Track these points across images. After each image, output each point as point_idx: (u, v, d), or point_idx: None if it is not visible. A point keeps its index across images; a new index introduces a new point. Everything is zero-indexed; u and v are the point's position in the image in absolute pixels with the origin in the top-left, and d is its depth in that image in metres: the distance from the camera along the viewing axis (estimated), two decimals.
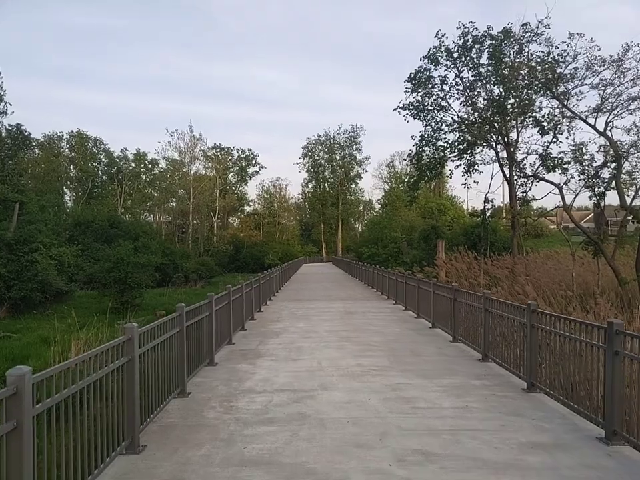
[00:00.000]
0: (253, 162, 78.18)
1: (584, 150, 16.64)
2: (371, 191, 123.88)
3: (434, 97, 22.27)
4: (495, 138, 21.24)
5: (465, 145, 22.17)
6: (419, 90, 22.23)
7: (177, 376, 5.92)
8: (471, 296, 8.67)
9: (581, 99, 18.52)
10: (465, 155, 22.51)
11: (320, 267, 51.93)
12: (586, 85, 18.03)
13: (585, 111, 17.62)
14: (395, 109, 23.28)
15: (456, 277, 19.61)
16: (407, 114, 23.17)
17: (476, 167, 22.45)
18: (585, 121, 17.20)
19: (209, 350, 7.65)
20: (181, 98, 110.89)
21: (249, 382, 6.55)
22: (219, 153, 73.15)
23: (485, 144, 21.57)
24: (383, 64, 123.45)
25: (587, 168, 16.02)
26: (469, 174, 22.54)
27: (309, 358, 7.78)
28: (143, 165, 68.87)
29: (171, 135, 64.94)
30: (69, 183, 65.12)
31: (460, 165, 22.85)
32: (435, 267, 21.77)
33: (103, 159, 66.60)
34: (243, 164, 77.66)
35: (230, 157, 75.98)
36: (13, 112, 36.64)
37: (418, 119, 23.13)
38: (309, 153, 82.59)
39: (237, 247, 60.29)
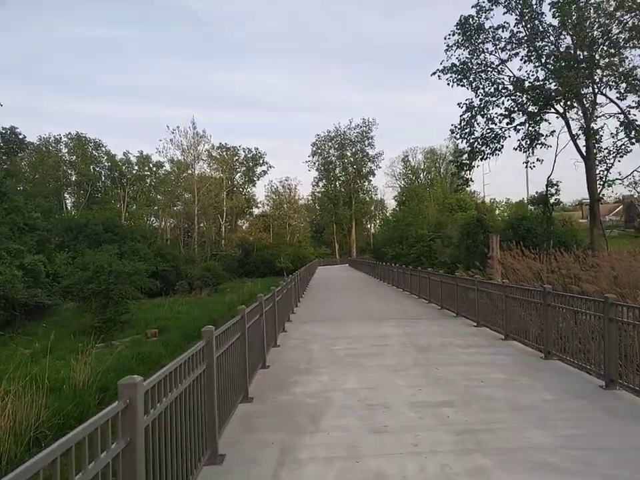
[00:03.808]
0: (261, 161, 74.61)
1: None
2: (384, 190, 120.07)
3: (485, 53, 18.03)
4: (563, 104, 17.00)
5: (525, 114, 17.86)
6: (466, 44, 18.04)
7: None
8: None
9: None
10: (526, 126, 18.14)
11: (337, 270, 47.66)
12: None
13: None
14: (434, 73, 19.20)
15: (514, 277, 15.46)
16: (451, 78, 18.99)
17: (541, 141, 18.08)
18: None
19: None
20: (185, 105, 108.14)
21: None
22: (224, 153, 69.56)
23: (553, 110, 17.29)
24: (389, 65, 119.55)
25: None
26: (531, 150, 18.20)
27: None
28: (147, 168, 65.86)
29: (172, 132, 61.28)
30: (68, 187, 62.22)
31: (524, 137, 18.43)
32: (488, 267, 17.58)
33: (105, 163, 63.64)
34: (250, 164, 74.10)
35: (236, 157, 72.48)
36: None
37: (462, 85, 18.98)
38: (319, 151, 78.77)
39: (247, 250, 57.43)
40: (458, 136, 20.36)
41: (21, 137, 53.05)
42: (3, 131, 49.79)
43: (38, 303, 20.51)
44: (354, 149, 77.68)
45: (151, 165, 66.24)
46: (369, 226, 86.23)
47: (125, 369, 12.80)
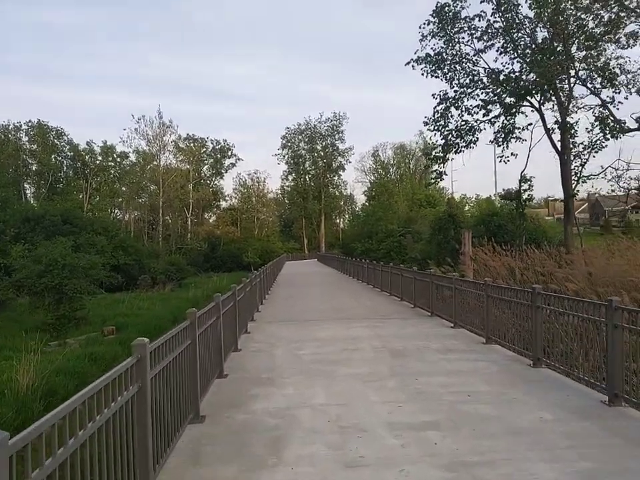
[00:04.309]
0: (229, 153, 72.97)
1: None
2: (353, 185, 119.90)
3: (460, 43, 17.54)
4: (539, 96, 16.64)
5: (502, 106, 17.44)
6: (441, 34, 17.51)
7: None
8: None
9: None
10: (500, 119, 17.75)
11: (306, 265, 46.86)
12: None
13: None
14: (408, 63, 18.64)
15: (487, 274, 15.05)
16: (425, 68, 18.47)
17: (516, 134, 17.70)
18: None
19: None
20: (152, 95, 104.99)
21: None
22: (192, 144, 67.69)
23: (527, 104, 16.93)
24: (361, 60, 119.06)
25: None
26: (505, 144, 17.81)
27: None
28: (111, 159, 63.69)
29: (138, 122, 59.12)
30: (27, 177, 59.60)
31: (500, 130, 18.02)
32: (460, 263, 17.16)
33: (68, 152, 61.23)
34: (219, 156, 72.39)
35: (204, 149, 70.68)
36: None
37: (436, 76, 18.48)
38: (289, 144, 77.83)
39: (213, 244, 56.28)
40: (432, 128, 19.91)
41: None
42: None
43: None
44: (324, 143, 77.06)
45: (115, 156, 64.14)
46: (338, 221, 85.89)
47: (75, 371, 11.76)
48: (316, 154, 77.50)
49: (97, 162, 63.16)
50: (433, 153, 20.60)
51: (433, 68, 18.42)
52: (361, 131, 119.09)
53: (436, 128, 19.80)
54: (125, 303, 23.65)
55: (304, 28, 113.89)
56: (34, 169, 60.02)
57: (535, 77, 17.01)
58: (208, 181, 72.12)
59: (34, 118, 60.46)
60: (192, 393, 4.97)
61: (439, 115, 19.71)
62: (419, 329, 9.78)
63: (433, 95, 19.69)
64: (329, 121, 75.99)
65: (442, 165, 19.33)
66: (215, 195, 71.12)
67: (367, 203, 64.61)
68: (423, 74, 19.14)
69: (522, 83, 17.59)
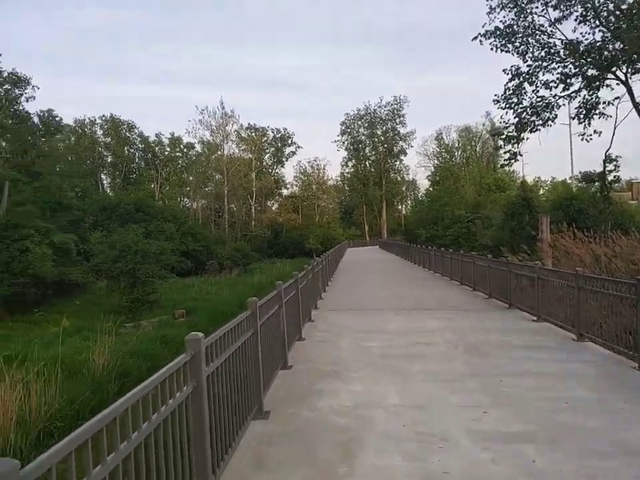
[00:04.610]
0: (289, 142, 73.26)
1: None
2: (416, 170, 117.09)
3: (533, 14, 16.18)
4: (626, 68, 15.01)
5: (584, 79, 15.93)
6: (511, 5, 16.24)
7: None
8: None
9: None
10: (581, 94, 16.22)
11: (367, 252, 46.23)
12: None
13: None
14: (475, 38, 17.52)
15: (569, 263, 13.81)
16: (494, 43, 17.28)
17: (599, 110, 16.12)
18: None
19: None
20: (215, 87, 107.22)
21: None
22: (253, 134, 68.59)
23: (612, 76, 15.33)
24: (420, 43, 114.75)
25: None
26: (587, 120, 16.28)
27: None
28: (178, 150, 65.97)
29: (201, 113, 60.60)
30: (104, 169, 62.91)
31: (581, 106, 16.49)
32: (537, 250, 15.97)
33: (139, 144, 64.02)
34: (279, 144, 72.84)
35: (265, 138, 71.41)
36: (34, 97, 34.16)
37: (507, 50, 17.23)
38: (348, 130, 76.77)
39: (276, 231, 57.20)
40: (503, 106, 18.66)
41: (57, 119, 53.61)
42: (41, 113, 50.12)
43: (71, 280, 20.30)
44: (384, 128, 75.31)
45: (182, 147, 66.15)
46: (400, 207, 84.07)
47: (147, 353, 12.01)
48: (376, 139, 76.03)
49: (166, 153, 65.28)
50: (506, 133, 19.36)
51: (503, 42, 17.16)
52: (422, 115, 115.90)
53: (508, 106, 18.54)
54: (194, 288, 24.36)
55: (359, 14, 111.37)
56: (109, 160, 63.07)
57: (621, 45, 15.38)
58: (269, 170, 72.89)
59: (107, 113, 63.36)
60: (255, 386, 4.70)
61: (511, 91, 18.46)
62: (497, 322, 9.03)
63: (503, 70, 18.48)
64: (389, 105, 74.16)
65: (516, 144, 18.05)
66: (276, 183, 71.83)
67: (430, 188, 62.71)
68: (492, 48, 18.00)
69: (606, 53, 16.02)
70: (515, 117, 18.00)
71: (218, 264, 34.55)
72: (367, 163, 77.68)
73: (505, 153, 19.49)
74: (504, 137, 19.14)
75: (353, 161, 77.93)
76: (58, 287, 20.23)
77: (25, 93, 35.82)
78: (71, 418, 8.11)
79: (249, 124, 68.12)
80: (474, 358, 6.53)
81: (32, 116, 38.08)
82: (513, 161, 19.06)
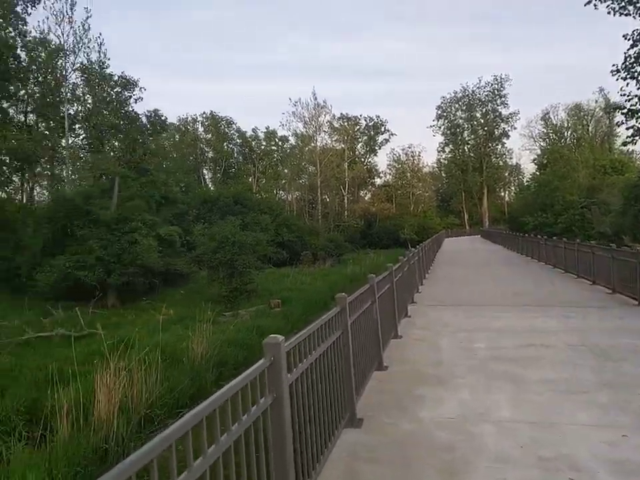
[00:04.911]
0: (382, 129, 71.98)
1: None
2: (520, 153, 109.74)
3: None
4: None
5: None
6: None
7: None
8: None
9: None
10: None
11: (467, 242, 44.02)
12: None
13: None
14: (589, 2, 15.68)
15: None
16: (612, 5, 15.40)
17: None
18: None
19: None
20: (306, 79, 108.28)
21: None
22: (345, 123, 68.32)
23: None
24: (516, 20, 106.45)
25: None
26: None
27: None
28: (273, 143, 67.61)
29: (295, 105, 61.48)
30: (205, 164, 66.42)
31: None
32: None
33: (237, 140, 66.65)
34: (372, 132, 71.89)
35: (357, 127, 70.85)
36: (141, 98, 36.94)
37: (626, 13, 15.24)
38: (445, 114, 73.71)
39: (369, 221, 56.63)
40: (624, 76, 16.62)
41: (163, 118, 57.65)
42: (148, 113, 53.97)
43: (176, 270, 21.47)
44: (484, 110, 71.18)
45: (277, 140, 67.70)
46: (502, 193, 79.33)
47: (244, 342, 12.13)
48: (475, 122, 72.13)
49: (262, 147, 67.29)
50: (628, 106, 17.10)
51: (622, 3, 15.13)
52: (526, 94, 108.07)
53: (630, 75, 16.46)
54: (289, 278, 24.66)
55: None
56: (210, 156, 66.38)
57: None
58: (362, 159, 72.29)
59: (207, 110, 66.67)
60: (346, 391, 4.25)
61: (633, 60, 16.40)
62: (627, 322, 7.76)
63: (624, 36, 16.47)
64: (489, 85, 69.88)
65: None
66: (369, 172, 71.08)
67: (537, 172, 58.19)
68: (609, 12, 16.10)
69: None
70: (638, 88, 15.84)
71: (312, 254, 34.71)
72: (465, 147, 74.17)
73: (627, 129, 17.22)
74: (625, 111, 16.94)
75: (450, 146, 74.80)
76: (164, 277, 21.43)
77: (133, 95, 38.59)
78: (170, 406, 8.31)
79: (341, 114, 68.12)
80: (602, 365, 5.55)
81: (140, 116, 40.95)
82: (637, 137, 16.78)
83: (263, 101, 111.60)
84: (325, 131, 64.11)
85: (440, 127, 73.64)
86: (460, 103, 72.75)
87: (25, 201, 36.09)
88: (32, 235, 20.39)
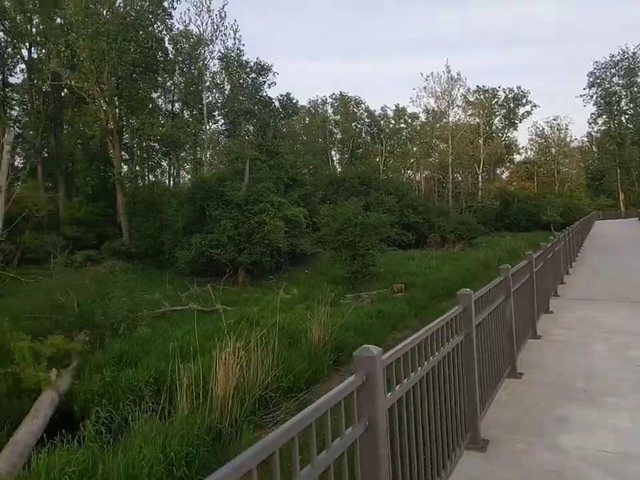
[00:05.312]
0: (524, 101, 65.98)
1: None
2: None
3: None
4: None
5: None
6: None
7: None
8: None
9: None
10: None
11: (623, 225, 38.44)
12: None
13: None
14: None
15: None
16: None
17: None
18: None
19: None
20: (439, 53, 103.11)
21: None
22: (482, 96, 63.84)
23: None
24: None
25: None
26: None
27: None
28: (402, 121, 66.05)
29: (426, 80, 58.96)
30: (332, 145, 67.26)
31: None
32: None
33: (365, 119, 66.39)
34: (511, 105, 66.29)
35: (495, 100, 65.82)
36: (275, 83, 38.43)
37: None
38: (597, 81, 65.06)
39: (506, 201, 52.71)
40: None
41: (294, 101, 59.52)
42: (280, 98, 55.99)
43: (302, 251, 21.91)
44: None
45: (406, 117, 65.86)
46: None
47: (363, 328, 11.69)
48: (636, 89, 62.63)
49: (390, 125, 66.00)
50: None
51: None
52: None
53: None
54: (414, 261, 23.76)
55: None
56: (338, 137, 66.90)
57: None
58: (500, 134, 67.21)
59: (336, 91, 67.10)
60: (468, 406, 3.51)
61: None
62: None
63: None
64: None
65: None
66: (507, 148, 66.04)
67: None
68: None
69: None
70: None
71: (440, 237, 33.40)
72: (622, 118, 64.99)
73: None
74: None
75: (604, 117, 66.11)
76: (290, 257, 21.94)
77: (267, 80, 39.95)
78: (285, 389, 8.17)
79: (477, 86, 63.88)
80: None
81: (273, 100, 42.31)
82: None
83: (392, 79, 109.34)
84: (458, 105, 60.68)
85: (592, 96, 65.43)
86: (617, 68, 63.74)
87: (171, 183, 39.78)
88: (174, 214, 22.10)
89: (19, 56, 28.95)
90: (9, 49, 28.65)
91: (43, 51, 28.04)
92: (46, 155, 30.26)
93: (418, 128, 64.57)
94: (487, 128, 63.00)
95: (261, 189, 20.83)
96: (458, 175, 59.00)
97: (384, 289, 17.45)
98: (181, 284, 17.75)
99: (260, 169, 22.90)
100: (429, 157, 62.97)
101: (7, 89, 30.32)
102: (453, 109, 58.85)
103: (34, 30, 27.17)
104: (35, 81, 28.41)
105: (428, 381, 2.75)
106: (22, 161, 33.39)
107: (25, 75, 29.25)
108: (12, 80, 30.40)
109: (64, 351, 8.47)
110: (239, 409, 6.96)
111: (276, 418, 7.42)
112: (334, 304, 14.73)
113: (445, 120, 59.04)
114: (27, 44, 28.19)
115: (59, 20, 25.41)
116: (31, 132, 29.57)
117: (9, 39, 27.81)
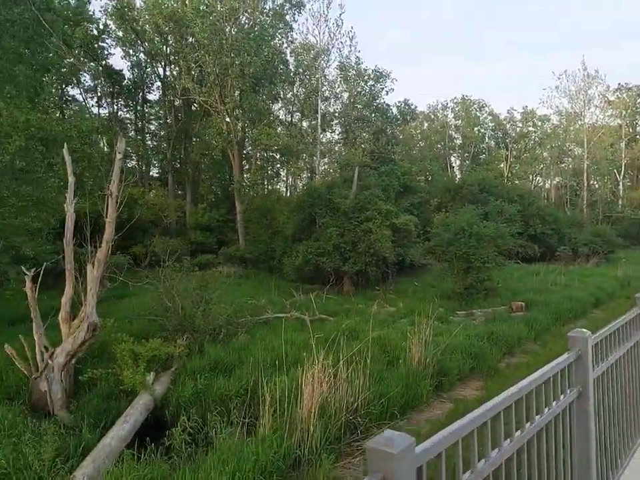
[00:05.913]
0: None
1: None
2: None
3: None
4: None
5: None
6: None
7: None
8: None
9: None
10: None
11: None
12: None
13: None
14: None
15: None
16: None
17: None
18: None
19: None
20: (573, 50, 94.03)
21: None
22: (624, 94, 56.99)
23: None
24: None
25: None
26: None
27: None
28: (531, 124, 61.82)
29: (559, 79, 54.16)
30: (452, 151, 64.92)
31: None
32: None
33: (489, 123, 63.33)
34: None
35: None
36: (393, 89, 38.04)
37: None
38: None
39: None
40: None
41: (412, 107, 58.43)
42: (398, 104, 55.33)
43: (411, 261, 21.09)
44: None
45: (535, 120, 61.47)
46: None
47: (472, 351, 10.60)
48: None
49: (517, 129, 62.20)
50: None
51: None
52: None
53: None
54: (538, 276, 21.67)
55: None
56: (458, 142, 64.32)
57: None
58: None
59: (459, 95, 64.56)
60: None
61: None
62: None
63: None
64: None
65: None
66: None
67: None
68: None
69: None
70: None
71: (571, 250, 30.56)
72: None
73: None
74: None
75: None
76: (398, 267, 21.16)
77: (385, 87, 39.46)
78: (376, 415, 7.51)
79: (618, 84, 57.11)
80: None
81: (390, 107, 41.70)
82: None
83: (519, 80, 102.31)
84: (595, 106, 54.89)
85: None
86: None
87: (288, 192, 41.05)
88: (286, 222, 22.57)
89: (155, 74, 32.00)
90: (148, 69, 31.79)
91: (176, 68, 30.62)
92: (177, 165, 32.96)
93: (549, 131, 59.89)
94: (630, 130, 56.17)
95: (369, 196, 20.39)
96: (594, 182, 53.33)
97: (501, 306, 15.98)
98: (287, 290, 17.93)
99: (369, 175, 22.50)
100: (561, 162, 57.90)
101: (145, 105, 33.69)
102: (589, 109, 53.35)
103: (168, 50, 29.82)
104: (169, 97, 31.14)
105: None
106: (158, 171, 36.90)
107: (160, 92, 32.25)
108: (150, 97, 33.70)
109: (165, 355, 8.74)
110: (322, 435, 6.49)
111: (362, 446, 6.83)
112: (443, 321, 13.69)
113: (579, 122, 53.83)
114: (162, 63, 31.05)
115: (190, 39, 27.51)
116: (164, 144, 32.44)
117: (148, 60, 30.83)
